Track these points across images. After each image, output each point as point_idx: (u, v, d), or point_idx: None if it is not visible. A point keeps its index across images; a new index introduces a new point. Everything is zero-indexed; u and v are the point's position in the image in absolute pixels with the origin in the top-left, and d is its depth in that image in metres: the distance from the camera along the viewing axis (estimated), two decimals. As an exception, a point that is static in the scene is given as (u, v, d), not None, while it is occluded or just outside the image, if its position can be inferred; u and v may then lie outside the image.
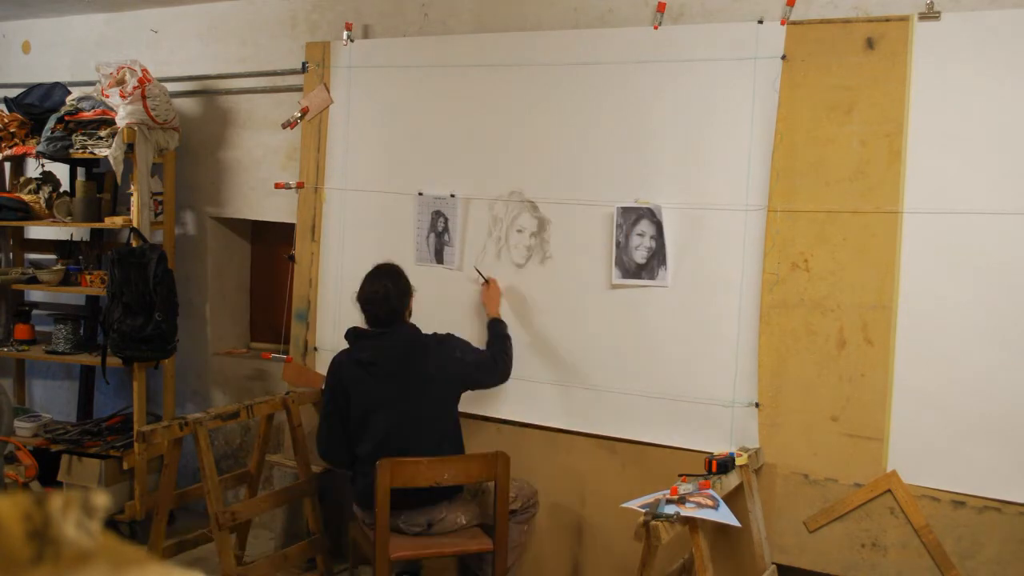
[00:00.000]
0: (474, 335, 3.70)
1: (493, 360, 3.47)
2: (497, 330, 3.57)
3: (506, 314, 3.67)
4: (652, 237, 3.38)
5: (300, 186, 4.13)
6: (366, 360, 3.30)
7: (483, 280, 3.70)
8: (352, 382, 3.30)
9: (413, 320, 3.45)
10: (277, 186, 4.17)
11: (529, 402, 3.64)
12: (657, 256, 3.37)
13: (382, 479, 3.01)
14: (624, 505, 2.76)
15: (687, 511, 2.58)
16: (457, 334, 3.48)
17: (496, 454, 3.15)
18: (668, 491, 2.68)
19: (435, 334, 3.42)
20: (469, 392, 3.49)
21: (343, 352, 3.42)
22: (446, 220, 3.79)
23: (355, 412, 3.29)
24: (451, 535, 3.27)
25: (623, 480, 3.43)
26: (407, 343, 3.34)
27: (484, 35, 3.81)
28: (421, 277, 3.81)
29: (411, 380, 3.28)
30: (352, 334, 3.40)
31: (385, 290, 3.33)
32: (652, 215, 3.37)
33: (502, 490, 3.14)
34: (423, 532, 3.25)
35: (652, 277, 3.39)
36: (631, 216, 3.41)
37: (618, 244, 3.43)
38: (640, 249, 3.40)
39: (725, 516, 2.63)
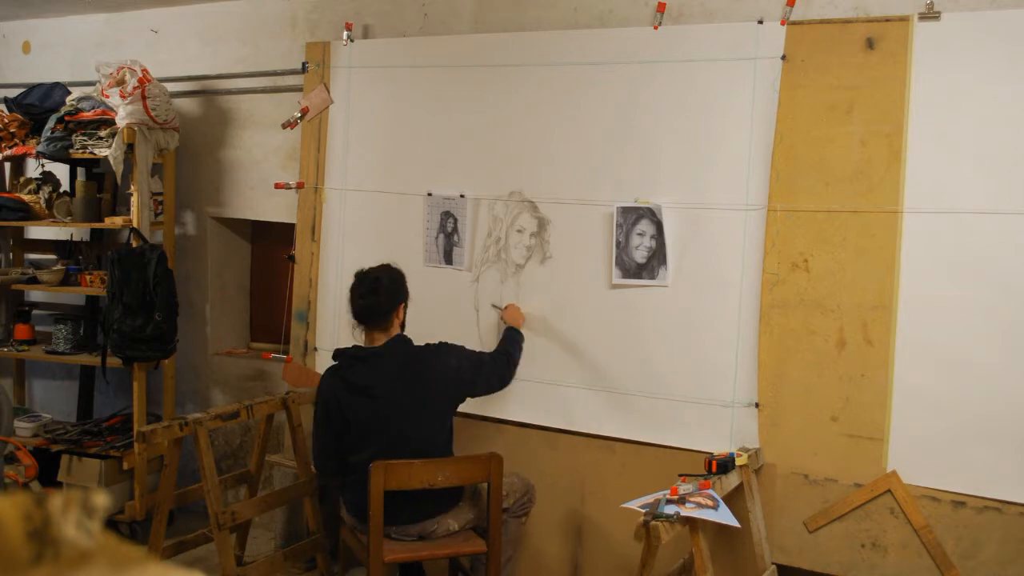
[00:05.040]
0: (484, 336, 3.71)
1: (493, 361, 3.37)
2: (511, 336, 3.50)
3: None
4: (652, 237, 3.38)
5: (300, 186, 4.13)
6: (360, 384, 3.15)
7: (501, 309, 3.66)
8: (348, 407, 3.16)
9: (419, 325, 3.40)
10: (277, 186, 4.17)
11: (529, 402, 3.64)
12: (657, 256, 3.37)
13: (375, 482, 2.96)
14: (624, 505, 2.76)
15: (687, 511, 2.58)
16: (451, 341, 3.36)
17: (489, 455, 3.09)
18: (668, 491, 2.68)
19: (427, 345, 3.26)
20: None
21: (333, 372, 3.23)
22: (455, 221, 3.79)
23: (352, 431, 3.19)
24: (444, 537, 3.23)
25: (623, 480, 3.43)
26: (401, 362, 3.18)
27: (484, 35, 3.81)
28: (431, 278, 3.81)
29: (408, 399, 3.15)
30: (341, 355, 3.23)
31: (376, 281, 3.18)
32: (652, 215, 3.37)
33: (495, 491, 3.10)
34: (414, 542, 3.21)
35: (652, 277, 3.39)
36: (631, 216, 3.41)
37: (618, 244, 3.43)
38: (640, 249, 3.40)
39: (725, 516, 2.63)
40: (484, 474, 3.10)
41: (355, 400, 3.16)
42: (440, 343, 3.31)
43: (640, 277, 3.41)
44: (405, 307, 3.29)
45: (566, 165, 3.56)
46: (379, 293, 3.18)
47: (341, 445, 3.23)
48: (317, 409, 3.30)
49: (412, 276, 3.37)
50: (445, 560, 3.49)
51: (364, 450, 3.17)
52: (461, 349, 3.32)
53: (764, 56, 3.20)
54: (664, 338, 3.39)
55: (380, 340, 3.21)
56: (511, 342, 3.48)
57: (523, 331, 3.57)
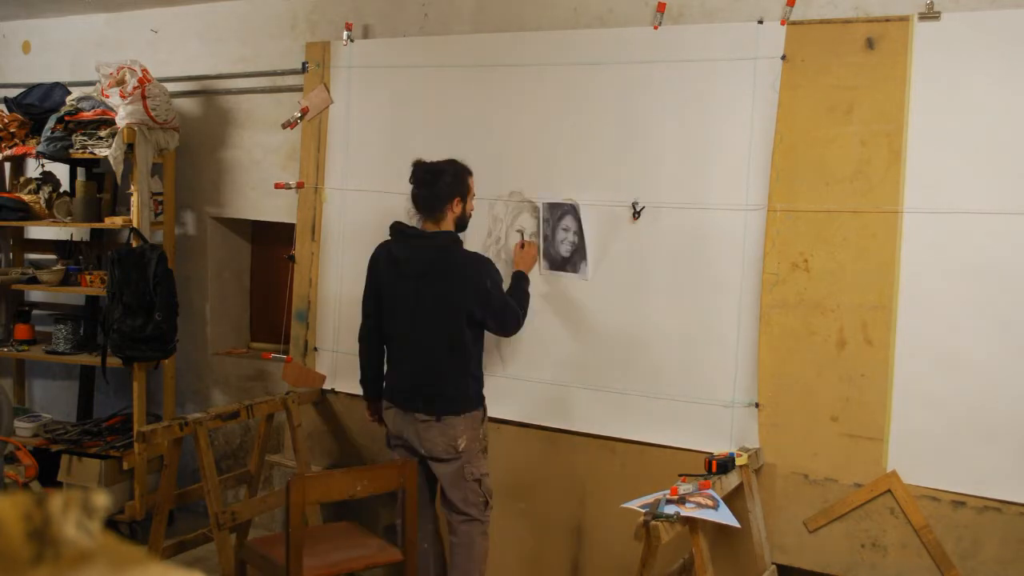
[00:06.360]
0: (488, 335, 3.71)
1: (511, 308, 3.30)
2: (521, 284, 3.45)
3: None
4: (575, 232, 3.51)
5: (300, 186, 4.13)
6: (399, 257, 3.26)
7: (521, 240, 3.62)
8: (384, 277, 3.29)
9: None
10: (277, 186, 4.17)
11: (529, 402, 3.63)
12: (579, 251, 3.51)
13: (295, 500, 2.88)
14: (624, 505, 2.76)
15: (687, 511, 2.58)
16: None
17: (404, 462, 3.15)
18: (668, 491, 2.68)
19: (475, 253, 3.32)
20: None
21: (384, 244, 3.36)
22: None
23: (384, 306, 3.30)
24: (361, 548, 3.22)
25: (623, 480, 3.43)
26: (440, 253, 3.22)
27: (484, 35, 3.81)
28: None
29: (433, 289, 3.19)
30: (394, 228, 3.33)
31: (437, 173, 3.22)
32: (575, 211, 3.49)
33: (410, 497, 3.13)
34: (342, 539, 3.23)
35: (575, 271, 3.53)
36: (557, 211, 3.54)
37: (545, 237, 3.56)
38: (564, 243, 3.54)
39: (725, 517, 2.63)
40: (399, 481, 3.13)
41: (389, 272, 3.28)
42: (488, 260, 3.32)
43: (564, 270, 3.55)
44: (463, 203, 3.28)
45: (566, 165, 3.56)
46: (435, 184, 3.22)
47: (380, 320, 3.34)
48: (366, 282, 3.40)
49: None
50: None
51: (392, 332, 3.31)
52: (499, 281, 3.30)
53: (764, 56, 3.20)
54: (664, 338, 3.39)
55: (431, 230, 3.27)
56: (521, 294, 3.41)
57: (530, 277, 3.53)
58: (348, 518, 4.12)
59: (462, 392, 3.23)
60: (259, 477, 3.93)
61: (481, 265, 3.24)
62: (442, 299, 3.19)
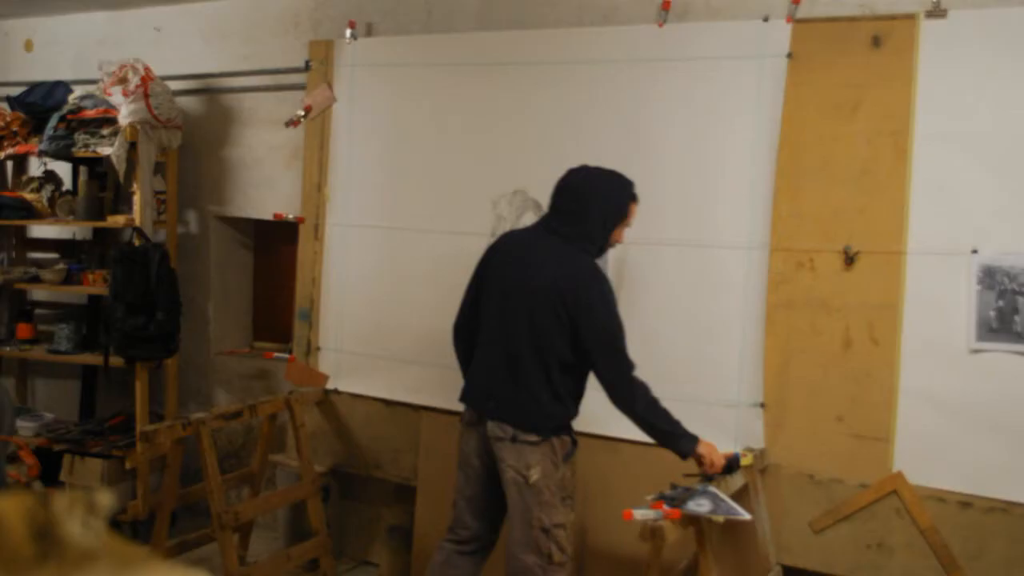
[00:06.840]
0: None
1: (629, 371, 2.81)
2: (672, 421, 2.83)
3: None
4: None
5: (300, 221, 4.10)
6: (511, 244, 2.93)
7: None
8: (490, 261, 2.96)
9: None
10: (277, 217, 4.16)
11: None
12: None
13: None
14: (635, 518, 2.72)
15: (692, 509, 2.57)
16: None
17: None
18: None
19: (591, 271, 2.81)
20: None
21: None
22: None
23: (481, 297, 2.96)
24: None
25: (627, 480, 3.42)
26: (550, 253, 2.80)
27: (487, 33, 3.80)
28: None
29: (521, 284, 2.82)
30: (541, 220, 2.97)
31: (590, 188, 2.82)
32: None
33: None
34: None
35: None
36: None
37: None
38: None
39: (731, 510, 2.61)
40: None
41: (495, 258, 2.97)
42: (603, 285, 2.80)
43: None
44: (618, 229, 2.92)
45: (571, 163, 3.54)
46: (584, 203, 2.82)
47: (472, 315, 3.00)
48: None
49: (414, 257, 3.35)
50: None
51: (480, 330, 2.97)
52: (612, 318, 2.77)
53: (770, 54, 3.19)
54: (668, 338, 3.38)
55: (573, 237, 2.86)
56: (665, 418, 2.83)
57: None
58: (353, 517, 4.12)
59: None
60: (262, 477, 3.92)
61: (586, 282, 2.83)
62: (529, 304, 2.87)
